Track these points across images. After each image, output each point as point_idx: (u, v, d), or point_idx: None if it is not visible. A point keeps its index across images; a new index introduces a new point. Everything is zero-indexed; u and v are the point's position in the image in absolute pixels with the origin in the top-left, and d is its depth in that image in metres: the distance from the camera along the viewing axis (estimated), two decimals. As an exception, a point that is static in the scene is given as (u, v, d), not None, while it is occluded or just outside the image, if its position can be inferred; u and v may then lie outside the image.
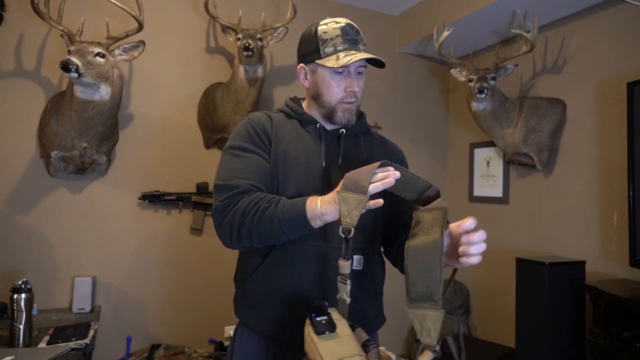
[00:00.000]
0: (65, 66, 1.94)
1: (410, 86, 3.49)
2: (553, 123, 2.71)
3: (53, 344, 1.80)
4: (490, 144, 3.13)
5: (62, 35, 2.12)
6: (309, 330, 0.91)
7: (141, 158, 2.62)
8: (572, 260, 2.48)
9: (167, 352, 2.46)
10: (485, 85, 2.60)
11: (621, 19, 2.44)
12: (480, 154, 3.33)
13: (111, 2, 2.13)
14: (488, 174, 3.27)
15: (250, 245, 1.09)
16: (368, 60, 1.18)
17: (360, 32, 1.20)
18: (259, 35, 2.45)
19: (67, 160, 2.36)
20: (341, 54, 1.13)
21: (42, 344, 1.80)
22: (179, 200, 2.64)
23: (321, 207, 0.99)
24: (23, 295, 1.79)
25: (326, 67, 1.15)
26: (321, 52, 1.16)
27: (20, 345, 1.78)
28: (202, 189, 2.67)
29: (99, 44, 2.12)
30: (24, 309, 1.79)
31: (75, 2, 2.40)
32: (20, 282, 1.81)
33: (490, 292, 3.22)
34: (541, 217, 2.86)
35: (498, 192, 3.18)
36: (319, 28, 1.18)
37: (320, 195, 1.03)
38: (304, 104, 1.30)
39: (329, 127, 1.25)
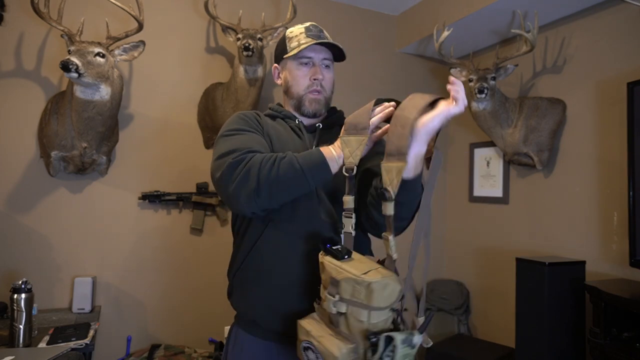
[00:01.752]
0: (65, 66, 1.94)
1: (410, 86, 3.49)
2: (553, 123, 2.71)
3: (53, 344, 1.80)
4: (490, 144, 3.13)
5: (62, 35, 2.12)
6: (328, 259, 0.95)
7: (141, 158, 2.62)
8: (572, 260, 2.48)
9: (167, 352, 2.46)
10: (485, 85, 2.60)
11: (621, 19, 2.44)
12: (480, 154, 3.33)
13: (111, 2, 2.13)
14: (488, 174, 3.27)
15: (269, 199, 1.04)
16: (336, 57, 1.29)
17: (325, 32, 1.28)
18: (259, 35, 2.45)
19: (67, 160, 2.36)
20: (302, 44, 1.23)
21: (42, 344, 1.80)
22: (179, 200, 2.64)
23: (336, 152, 1.03)
24: (23, 295, 1.79)
25: (291, 59, 1.25)
26: (287, 49, 1.26)
27: (20, 345, 1.78)
28: (202, 189, 2.67)
29: (99, 44, 2.12)
30: (24, 309, 1.79)
31: (75, 2, 2.40)
32: (20, 282, 1.81)
33: (490, 292, 3.22)
34: (541, 217, 2.86)
35: (498, 192, 3.18)
36: (287, 31, 1.29)
37: None
38: (283, 103, 1.38)
39: (306, 121, 1.31)
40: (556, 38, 2.80)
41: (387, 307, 0.88)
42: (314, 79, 1.24)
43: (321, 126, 1.28)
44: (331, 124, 1.32)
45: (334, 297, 0.90)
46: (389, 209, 0.93)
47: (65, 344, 1.80)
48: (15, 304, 1.79)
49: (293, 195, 1.07)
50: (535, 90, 2.92)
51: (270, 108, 1.35)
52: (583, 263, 2.46)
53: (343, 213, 1.05)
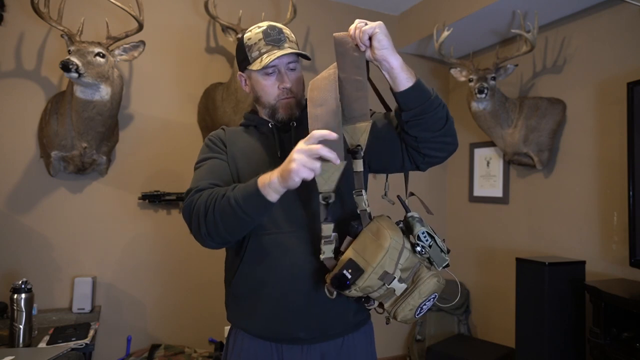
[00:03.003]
0: (65, 66, 1.94)
1: (410, 86, 3.48)
2: (553, 123, 2.71)
3: (53, 344, 1.80)
4: (490, 144, 3.13)
5: (62, 35, 2.12)
6: (369, 229, 1.04)
7: (141, 158, 2.62)
8: (572, 260, 2.48)
9: (167, 352, 2.46)
10: (485, 85, 2.60)
11: (621, 19, 2.45)
12: (480, 154, 3.33)
13: (111, 2, 2.13)
14: (488, 174, 3.27)
15: (222, 238, 1.08)
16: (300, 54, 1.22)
17: (285, 31, 1.21)
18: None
19: (67, 160, 2.36)
20: (264, 56, 1.17)
21: (42, 344, 1.80)
22: (179, 200, 2.64)
23: (272, 176, 0.99)
24: (23, 295, 1.79)
25: (255, 70, 1.19)
26: (249, 58, 1.20)
27: (20, 345, 1.78)
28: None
29: (99, 44, 2.12)
30: (24, 309, 1.79)
31: (75, 2, 2.40)
32: (20, 282, 1.81)
33: (490, 292, 3.22)
34: (541, 217, 2.86)
35: (498, 192, 3.18)
36: (245, 36, 1.22)
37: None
38: (257, 109, 1.32)
39: (281, 124, 1.28)
40: (556, 38, 2.80)
41: (403, 236, 1.05)
42: (283, 88, 1.20)
43: (295, 124, 1.24)
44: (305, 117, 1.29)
45: (394, 279, 1.02)
46: (358, 165, 1.08)
47: (65, 344, 1.80)
48: (15, 304, 1.79)
49: (244, 229, 1.09)
50: (535, 90, 2.92)
51: (244, 117, 1.33)
52: (583, 263, 2.47)
53: (354, 192, 1.08)
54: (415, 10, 3.24)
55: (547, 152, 2.76)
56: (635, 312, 1.97)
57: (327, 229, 1.06)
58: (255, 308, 1.18)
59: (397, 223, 1.08)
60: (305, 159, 0.93)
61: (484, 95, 2.61)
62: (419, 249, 1.04)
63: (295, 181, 0.94)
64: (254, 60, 1.19)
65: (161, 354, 2.44)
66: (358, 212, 1.09)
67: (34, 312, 1.86)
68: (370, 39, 1.04)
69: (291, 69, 1.22)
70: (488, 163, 3.27)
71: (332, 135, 0.96)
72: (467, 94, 2.77)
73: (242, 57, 1.23)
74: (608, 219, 2.47)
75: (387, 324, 1.14)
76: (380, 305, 1.10)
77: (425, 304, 1.06)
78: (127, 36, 2.22)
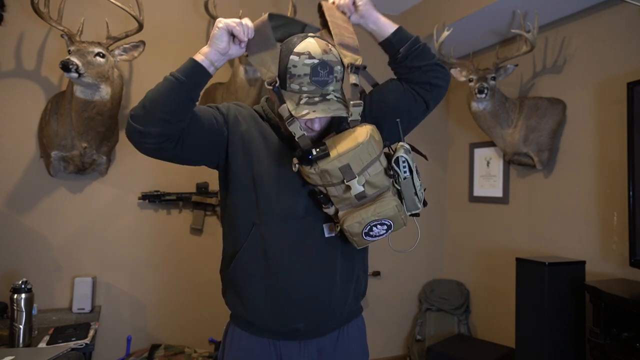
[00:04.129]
0: (65, 66, 1.94)
1: (410, 86, 3.49)
2: (553, 123, 2.71)
3: (53, 344, 1.80)
4: (490, 144, 3.13)
5: (62, 35, 2.12)
6: (325, 161, 1.05)
7: (141, 158, 2.58)
8: (572, 260, 2.48)
9: (167, 352, 2.46)
10: (485, 85, 2.60)
11: (621, 19, 2.44)
12: (480, 154, 3.33)
13: (111, 2, 2.13)
14: (488, 174, 3.27)
15: (153, 118, 1.05)
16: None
17: (336, 69, 1.10)
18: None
19: (67, 160, 2.36)
20: (303, 99, 1.07)
21: (42, 344, 1.80)
22: (179, 200, 2.64)
23: (204, 50, 1.13)
24: (23, 295, 1.79)
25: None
26: (287, 85, 1.10)
27: (20, 345, 1.78)
28: (202, 189, 2.67)
29: (99, 44, 2.13)
30: (24, 309, 1.79)
31: (75, 2, 2.40)
32: (20, 282, 1.81)
33: (490, 292, 3.22)
34: (541, 217, 2.86)
35: (498, 192, 3.18)
36: (291, 58, 1.10)
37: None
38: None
39: None
40: (556, 38, 2.80)
41: (382, 149, 1.09)
42: (308, 127, 1.12)
43: None
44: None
45: (355, 178, 1.04)
46: (353, 79, 1.15)
47: (65, 344, 1.80)
48: (15, 304, 1.79)
49: (174, 100, 1.06)
50: (535, 90, 2.92)
51: (262, 107, 1.27)
52: (583, 263, 2.46)
53: (352, 103, 1.11)
54: (415, 10, 3.24)
55: (547, 152, 2.76)
56: (635, 312, 1.97)
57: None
58: (253, 298, 1.19)
59: (386, 145, 1.12)
60: (224, 24, 1.12)
61: (484, 95, 2.61)
62: (391, 172, 1.08)
63: (222, 39, 1.11)
64: (292, 92, 1.09)
65: (161, 354, 2.44)
66: (349, 120, 1.12)
67: (34, 312, 1.86)
68: (354, 4, 1.18)
69: None
70: (488, 163, 3.27)
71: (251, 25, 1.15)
72: (467, 94, 2.77)
73: (282, 71, 1.11)
74: (608, 219, 2.47)
75: (335, 233, 1.16)
76: (336, 215, 1.12)
77: (376, 227, 1.07)
78: (127, 36, 2.22)
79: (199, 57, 1.11)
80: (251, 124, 1.22)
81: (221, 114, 1.22)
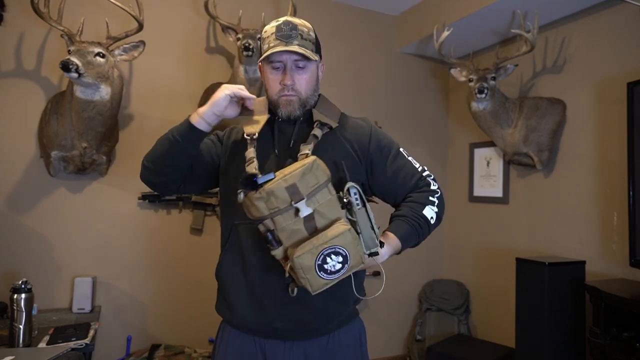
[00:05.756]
0: (65, 66, 1.94)
1: (410, 86, 3.49)
2: (553, 123, 2.71)
3: (53, 344, 1.80)
4: (490, 144, 3.13)
5: (62, 35, 2.12)
6: (272, 185, 1.02)
7: (141, 158, 2.60)
8: (572, 260, 2.48)
9: (167, 352, 2.46)
10: (485, 85, 2.60)
11: (621, 19, 2.45)
12: (480, 154, 3.33)
13: (111, 2, 2.13)
14: (488, 174, 3.27)
15: (155, 164, 1.24)
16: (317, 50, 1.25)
17: (301, 28, 1.19)
18: (258, 35, 2.45)
19: (67, 160, 2.36)
20: (270, 50, 1.17)
21: (42, 344, 1.80)
22: (178, 200, 2.64)
23: (201, 110, 1.16)
24: (23, 295, 1.79)
25: (264, 62, 1.21)
26: (262, 51, 1.21)
27: (20, 345, 1.78)
28: (202, 189, 2.67)
29: (99, 44, 2.12)
30: (24, 309, 1.79)
31: (75, 2, 2.40)
32: (20, 282, 1.81)
33: (490, 292, 3.22)
34: (541, 217, 2.86)
35: (498, 192, 3.18)
36: (264, 29, 1.23)
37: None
38: None
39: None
40: (556, 38, 2.80)
41: (329, 175, 1.06)
42: (283, 84, 1.19)
43: (302, 119, 1.24)
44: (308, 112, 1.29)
45: (303, 200, 1.01)
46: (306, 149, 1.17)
47: (65, 344, 1.80)
48: (15, 304, 1.79)
49: (175, 155, 1.19)
50: (535, 90, 2.92)
51: None
52: (583, 263, 2.46)
53: (302, 145, 1.15)
54: (415, 10, 3.24)
55: (547, 152, 2.76)
56: (635, 312, 1.97)
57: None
58: (235, 297, 1.21)
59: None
60: (230, 90, 1.14)
61: (484, 95, 2.61)
62: (345, 200, 1.05)
63: (221, 104, 1.14)
64: (263, 52, 1.20)
65: (161, 354, 2.44)
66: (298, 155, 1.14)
67: (34, 312, 1.86)
68: None
69: (299, 67, 1.19)
70: (488, 163, 3.27)
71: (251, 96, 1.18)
72: (467, 94, 2.77)
73: (261, 48, 1.25)
74: (608, 219, 2.47)
75: (287, 277, 1.08)
76: (285, 255, 1.05)
77: (331, 257, 0.99)
78: (127, 36, 2.22)
79: (195, 119, 1.16)
80: (241, 132, 1.28)
81: (219, 141, 1.32)
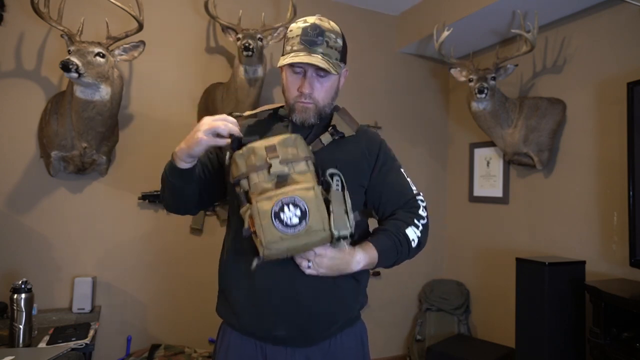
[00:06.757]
0: (65, 66, 1.94)
1: (410, 86, 3.49)
2: (553, 123, 2.71)
3: (53, 344, 1.80)
4: (490, 144, 3.13)
5: (62, 35, 2.12)
6: (255, 144, 1.07)
7: (141, 158, 2.62)
8: (572, 260, 2.48)
9: (167, 352, 2.46)
10: (485, 85, 2.60)
11: (621, 19, 2.44)
12: (480, 154, 3.33)
13: (111, 2, 2.13)
14: (488, 174, 3.27)
15: (167, 202, 1.26)
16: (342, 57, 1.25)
17: (328, 34, 1.17)
18: (259, 35, 2.45)
19: (67, 160, 2.36)
20: (291, 54, 1.15)
21: (42, 344, 1.80)
22: (179, 200, 2.64)
23: (179, 147, 1.13)
24: (23, 295, 1.79)
25: (284, 65, 1.17)
26: (284, 50, 1.19)
27: (20, 345, 1.78)
28: (202, 189, 2.67)
29: (99, 44, 2.12)
30: (24, 309, 1.79)
31: (75, 2, 2.40)
32: (20, 282, 1.81)
33: (490, 292, 3.22)
34: (541, 217, 2.86)
35: (498, 192, 3.18)
36: (290, 26, 1.21)
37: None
38: None
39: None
40: (556, 38, 2.80)
41: (312, 156, 1.08)
42: (300, 92, 1.17)
43: (319, 123, 1.24)
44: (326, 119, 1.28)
45: (277, 157, 1.03)
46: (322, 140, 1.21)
47: (65, 344, 1.80)
48: (15, 304, 1.79)
49: (178, 194, 1.21)
50: (535, 90, 2.92)
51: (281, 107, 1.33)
52: (583, 263, 2.46)
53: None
54: (415, 10, 3.24)
55: (547, 152, 2.76)
56: (635, 312, 1.97)
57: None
58: (237, 302, 1.19)
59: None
60: (207, 127, 1.06)
61: (484, 95, 2.61)
62: (322, 179, 1.04)
63: (197, 151, 1.09)
64: (286, 54, 1.17)
65: (161, 354, 2.44)
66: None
67: (34, 312, 1.86)
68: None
69: (320, 76, 1.18)
70: (488, 163, 3.27)
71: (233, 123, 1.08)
72: (467, 94, 2.77)
73: (284, 46, 1.22)
74: (608, 219, 2.47)
75: (245, 229, 1.03)
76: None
77: (289, 207, 0.98)
78: (127, 36, 2.22)
79: (177, 161, 1.13)
80: (245, 132, 1.27)
81: (221, 151, 1.28)
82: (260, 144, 1.06)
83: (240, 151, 1.06)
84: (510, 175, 3.10)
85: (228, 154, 1.10)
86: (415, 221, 1.21)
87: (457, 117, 3.54)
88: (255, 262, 1.02)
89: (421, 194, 1.28)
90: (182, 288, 2.69)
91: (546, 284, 2.34)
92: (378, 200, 1.25)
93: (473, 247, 3.36)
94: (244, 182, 1.05)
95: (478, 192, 3.35)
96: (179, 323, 2.67)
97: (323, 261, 1.07)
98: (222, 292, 1.26)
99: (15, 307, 1.79)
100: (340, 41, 1.20)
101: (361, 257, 1.11)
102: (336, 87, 1.25)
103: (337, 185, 1.04)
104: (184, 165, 1.12)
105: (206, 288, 2.71)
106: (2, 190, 2.34)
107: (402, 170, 1.29)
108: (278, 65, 1.20)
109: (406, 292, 3.42)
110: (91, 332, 1.96)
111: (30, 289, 1.82)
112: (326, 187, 1.04)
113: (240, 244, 1.16)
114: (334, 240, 1.01)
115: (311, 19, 1.18)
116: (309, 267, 1.08)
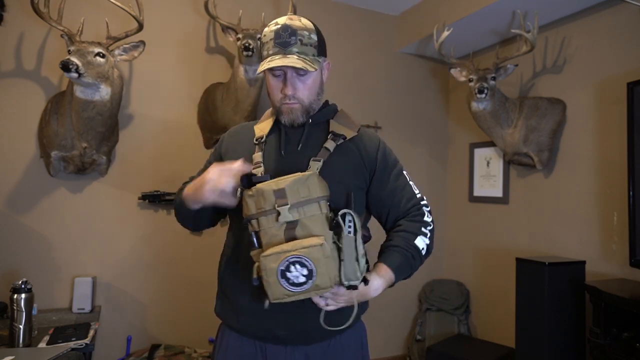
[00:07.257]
0: (65, 66, 1.94)
1: (410, 86, 3.49)
2: (553, 123, 2.71)
3: (53, 344, 1.80)
4: (490, 144, 3.13)
5: (62, 35, 2.12)
6: (261, 185, 1.04)
7: (141, 158, 2.62)
8: (572, 260, 2.48)
9: (167, 352, 2.46)
10: (485, 85, 2.60)
11: (621, 19, 2.45)
12: (480, 154, 3.33)
13: (111, 2, 2.13)
14: (488, 174, 3.27)
15: (185, 225, 1.31)
16: (321, 52, 1.23)
17: (300, 32, 1.15)
18: (258, 35, 2.45)
19: (67, 160, 2.36)
20: (267, 60, 1.15)
21: (42, 344, 1.80)
22: (179, 200, 2.64)
23: (188, 189, 1.16)
24: (23, 295, 1.79)
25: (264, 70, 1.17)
26: (261, 56, 1.19)
27: (20, 345, 1.78)
28: (202, 189, 2.67)
29: (99, 44, 2.12)
30: (24, 309, 1.79)
31: (75, 2, 2.40)
32: (20, 282, 1.81)
33: (490, 292, 3.22)
34: (541, 217, 2.86)
35: (498, 192, 3.18)
36: (264, 31, 1.20)
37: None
38: None
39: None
40: (556, 38, 2.80)
41: (326, 195, 1.04)
42: (284, 94, 1.17)
43: (311, 120, 1.24)
44: (322, 120, 1.28)
45: (286, 205, 1.00)
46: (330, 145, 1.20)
47: (65, 344, 1.80)
48: (15, 304, 1.78)
49: (194, 220, 1.25)
50: (535, 90, 2.92)
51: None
52: (583, 263, 2.47)
53: (312, 159, 1.15)
54: (415, 10, 3.24)
55: (547, 152, 2.76)
56: (635, 312, 1.97)
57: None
58: (237, 303, 1.20)
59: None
60: (213, 186, 1.06)
61: (484, 95, 2.61)
62: (334, 222, 1.01)
63: (206, 202, 1.08)
64: (264, 59, 1.16)
65: (161, 354, 2.44)
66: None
67: (34, 312, 1.86)
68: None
69: (300, 75, 1.17)
70: (488, 163, 3.27)
71: (248, 167, 1.09)
72: (467, 94, 2.77)
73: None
74: (608, 219, 2.47)
75: (254, 279, 1.03)
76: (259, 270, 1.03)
77: (295, 267, 0.96)
78: (127, 36, 2.22)
79: (188, 203, 1.15)
80: (236, 139, 1.31)
81: (220, 158, 1.30)
82: (269, 187, 1.02)
83: (250, 192, 1.04)
84: (510, 175, 3.10)
85: (239, 190, 1.08)
86: (423, 229, 1.22)
87: (457, 117, 3.54)
88: (267, 303, 1.04)
89: (424, 197, 1.28)
90: (182, 288, 2.69)
91: (546, 284, 2.34)
92: (382, 210, 1.25)
93: (473, 247, 3.36)
94: (254, 222, 1.04)
95: (478, 192, 3.35)
96: (179, 323, 2.67)
97: (340, 298, 1.07)
98: (221, 293, 1.27)
99: (15, 307, 1.79)
100: (314, 36, 1.18)
101: (378, 284, 1.11)
102: (319, 82, 1.23)
103: (350, 227, 1.01)
104: (194, 206, 1.15)
105: (206, 288, 2.71)
106: (2, 190, 2.34)
107: (404, 173, 1.28)
108: (257, 72, 1.22)
109: (406, 292, 3.42)
110: (91, 332, 1.96)
111: (30, 289, 1.82)
112: (338, 231, 1.01)
113: (241, 253, 1.17)
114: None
115: (282, 20, 1.17)
116: (327, 304, 1.08)
